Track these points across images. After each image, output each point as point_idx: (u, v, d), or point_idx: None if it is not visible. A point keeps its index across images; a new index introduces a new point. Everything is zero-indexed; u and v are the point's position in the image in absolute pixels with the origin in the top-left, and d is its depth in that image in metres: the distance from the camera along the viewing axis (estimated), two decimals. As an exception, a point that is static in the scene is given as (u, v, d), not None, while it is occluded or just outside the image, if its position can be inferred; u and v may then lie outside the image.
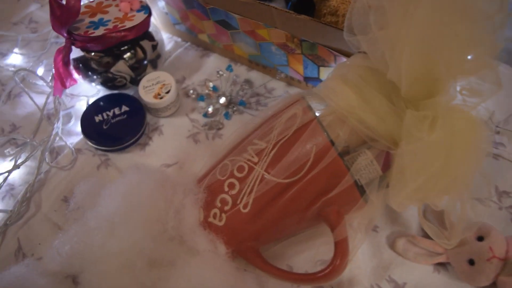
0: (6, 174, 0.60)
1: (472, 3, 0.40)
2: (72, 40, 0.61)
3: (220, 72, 0.64)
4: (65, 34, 0.61)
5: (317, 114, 0.46)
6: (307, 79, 0.62)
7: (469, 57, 0.42)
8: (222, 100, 0.63)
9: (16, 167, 0.60)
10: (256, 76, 0.67)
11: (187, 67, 0.69)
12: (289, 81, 0.65)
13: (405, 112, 0.43)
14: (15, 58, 0.74)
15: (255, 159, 0.47)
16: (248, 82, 0.66)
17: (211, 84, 0.65)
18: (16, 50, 0.74)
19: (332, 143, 0.44)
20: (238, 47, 0.65)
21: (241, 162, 0.47)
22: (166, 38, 0.73)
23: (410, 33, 0.40)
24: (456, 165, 0.41)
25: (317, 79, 0.61)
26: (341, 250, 0.44)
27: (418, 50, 0.40)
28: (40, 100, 0.68)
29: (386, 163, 0.45)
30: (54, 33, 0.76)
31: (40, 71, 0.71)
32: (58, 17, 0.59)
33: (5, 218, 0.57)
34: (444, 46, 0.41)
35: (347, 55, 0.52)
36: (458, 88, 0.43)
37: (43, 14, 0.79)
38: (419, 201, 0.46)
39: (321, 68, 0.58)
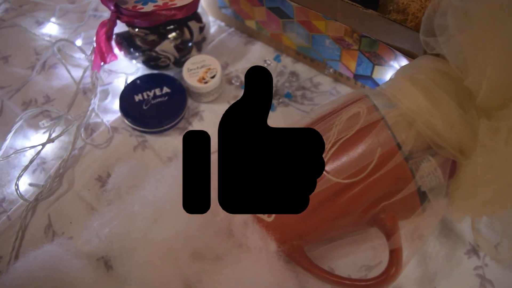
0: (40, 147, 0.58)
1: None
2: (118, 14, 0.59)
3: (268, 62, 0.62)
4: (112, 7, 0.59)
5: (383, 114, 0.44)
6: (357, 76, 0.60)
7: None
8: (267, 90, 0.61)
9: (50, 140, 0.58)
10: (302, 69, 0.65)
11: (230, 53, 0.67)
12: (337, 77, 0.63)
13: (476, 121, 0.41)
14: (51, 28, 0.71)
15: (312, 156, 0.44)
16: (294, 74, 0.64)
17: (256, 73, 0.63)
18: (53, 19, 0.72)
19: (399, 146, 0.42)
20: (287, 37, 0.62)
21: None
22: (210, 21, 0.70)
23: (498, 41, 0.37)
24: None
25: (369, 78, 0.58)
26: (396, 258, 0.42)
27: (505, 60, 0.38)
28: (75, 73, 0.66)
29: (449, 172, 0.43)
30: (93, 5, 0.74)
31: (78, 43, 0.68)
32: (108, -11, 0.56)
33: (36, 192, 0.55)
34: None
35: (410, 55, 0.50)
36: None
37: (83, -16, 0.76)
38: (486, 215, 0.44)
39: (376, 67, 0.56)
